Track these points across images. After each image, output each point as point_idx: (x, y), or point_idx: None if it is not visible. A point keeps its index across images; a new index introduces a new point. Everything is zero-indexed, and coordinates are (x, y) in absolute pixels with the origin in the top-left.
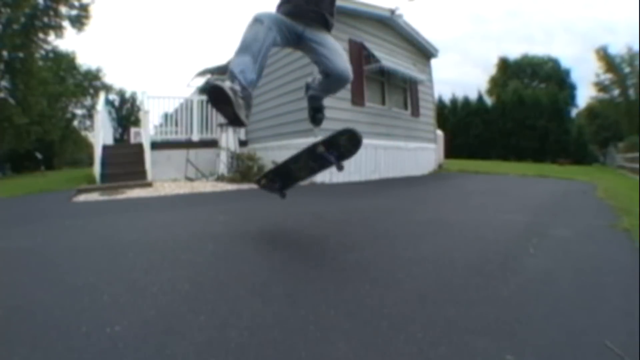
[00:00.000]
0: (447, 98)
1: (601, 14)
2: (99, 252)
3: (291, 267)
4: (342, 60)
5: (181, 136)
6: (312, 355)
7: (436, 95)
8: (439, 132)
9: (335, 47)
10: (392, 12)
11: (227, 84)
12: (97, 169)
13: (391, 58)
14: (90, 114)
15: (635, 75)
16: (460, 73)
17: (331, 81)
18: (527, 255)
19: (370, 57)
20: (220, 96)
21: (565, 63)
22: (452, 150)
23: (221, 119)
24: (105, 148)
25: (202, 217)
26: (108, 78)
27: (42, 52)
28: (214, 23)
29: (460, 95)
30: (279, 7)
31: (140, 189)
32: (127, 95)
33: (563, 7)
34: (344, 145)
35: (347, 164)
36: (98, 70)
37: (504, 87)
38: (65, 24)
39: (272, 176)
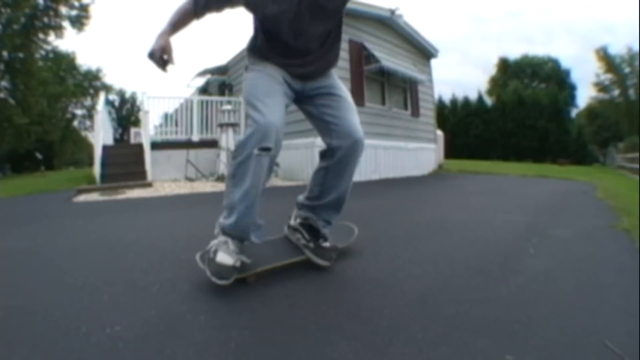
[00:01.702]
0: (447, 98)
1: (601, 14)
2: (99, 252)
3: (291, 267)
4: (352, 115)
5: (181, 136)
6: (312, 355)
7: (436, 95)
8: (439, 132)
9: (344, 95)
10: (392, 12)
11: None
12: (97, 169)
13: (391, 58)
14: (90, 114)
15: (635, 75)
16: (460, 73)
17: (334, 150)
18: (527, 255)
19: (370, 57)
20: None
21: (565, 63)
22: (452, 150)
23: (221, 119)
24: (105, 148)
25: (202, 217)
26: (108, 78)
27: (42, 52)
28: (214, 23)
29: (460, 95)
30: (266, 56)
31: (140, 189)
32: (127, 95)
33: (563, 8)
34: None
35: None
36: (98, 71)
37: (504, 87)
38: (65, 24)
39: None
